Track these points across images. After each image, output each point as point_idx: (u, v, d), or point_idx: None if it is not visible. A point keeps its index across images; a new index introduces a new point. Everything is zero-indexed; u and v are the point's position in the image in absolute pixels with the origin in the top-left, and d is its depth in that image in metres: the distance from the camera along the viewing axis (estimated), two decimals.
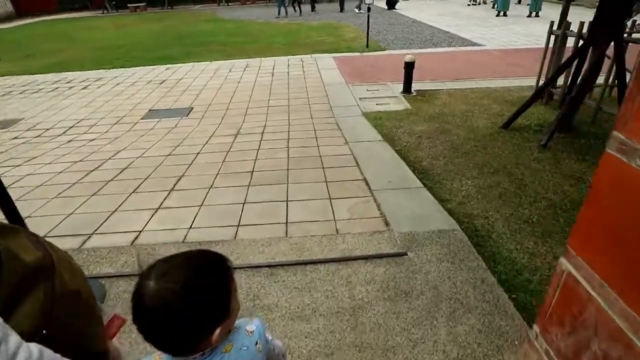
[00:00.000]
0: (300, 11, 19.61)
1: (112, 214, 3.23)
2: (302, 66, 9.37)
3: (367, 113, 5.96)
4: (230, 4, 27.86)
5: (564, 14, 5.64)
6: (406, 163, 4.01)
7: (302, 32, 14.37)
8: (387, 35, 13.01)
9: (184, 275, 0.72)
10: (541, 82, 6.07)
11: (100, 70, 10.05)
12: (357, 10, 19.57)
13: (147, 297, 0.70)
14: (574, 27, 5.32)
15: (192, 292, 0.71)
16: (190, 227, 2.93)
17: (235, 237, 2.75)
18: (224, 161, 4.36)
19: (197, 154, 4.62)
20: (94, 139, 5.32)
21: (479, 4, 21.21)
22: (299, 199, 3.33)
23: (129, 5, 26.89)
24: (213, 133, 5.48)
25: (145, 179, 3.85)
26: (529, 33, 12.46)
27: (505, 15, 16.34)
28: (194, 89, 7.95)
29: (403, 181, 3.55)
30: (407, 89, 6.92)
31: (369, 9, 10.69)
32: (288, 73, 8.82)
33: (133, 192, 3.57)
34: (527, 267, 2.48)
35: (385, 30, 13.90)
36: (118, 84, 8.61)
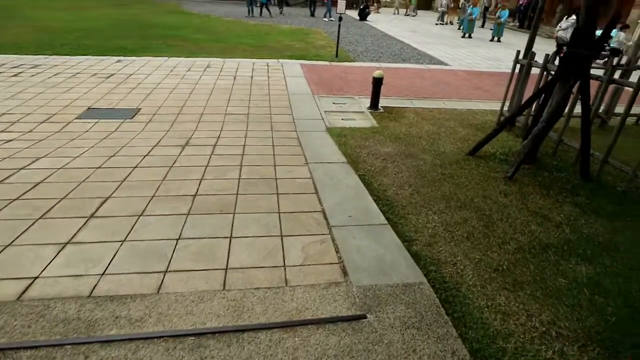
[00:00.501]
0: (270, 12, 19.12)
1: (1, 249, 2.59)
2: (268, 71, 8.89)
3: (331, 128, 5.60)
4: None
5: (530, 45, 5.60)
6: (370, 191, 3.66)
7: (272, 35, 13.89)
8: (357, 46, 12.83)
9: None
10: (505, 108, 6.02)
11: (39, 56, 9.01)
12: (325, 19, 19.34)
13: None
14: (539, 57, 5.30)
15: None
16: (104, 273, 2.36)
17: (158, 290, 2.23)
18: (164, 179, 3.80)
19: (134, 167, 4.02)
20: (10, 140, 4.54)
21: (447, 24, 21.72)
22: (245, 235, 2.86)
23: None
24: (158, 142, 4.88)
25: (61, 199, 3.21)
26: (491, 57, 12.74)
27: (470, 37, 16.75)
28: (145, 88, 7.24)
29: (365, 215, 3.19)
30: (374, 104, 6.64)
31: (340, 19, 10.42)
32: (252, 78, 8.31)
33: (40, 217, 2.92)
34: (500, 331, 2.18)
35: (355, 41, 13.74)
36: (57, 74, 7.69)
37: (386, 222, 3.09)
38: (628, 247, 3.02)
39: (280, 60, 9.97)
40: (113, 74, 8.06)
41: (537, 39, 17.44)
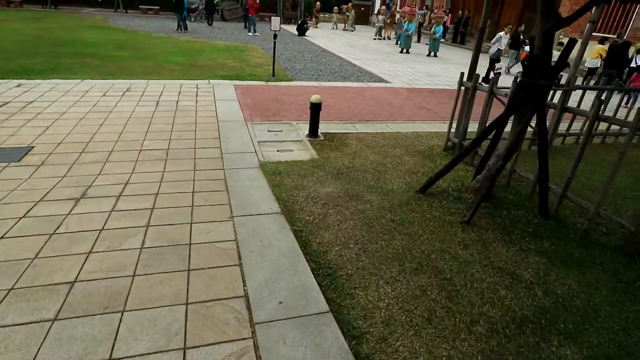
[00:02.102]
0: (185, 27, 17.94)
1: None
2: (196, 94, 7.99)
3: (265, 163, 4.87)
4: (129, 11, 24.96)
5: (473, 67, 5.33)
6: (307, 256, 2.98)
7: (205, 53, 12.94)
8: (295, 63, 12.28)
9: None
10: (451, 134, 5.71)
11: None
12: (250, 34, 18.56)
13: None
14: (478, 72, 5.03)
15: None
16: None
17: None
18: (35, 257, 2.84)
19: (0, 238, 3.01)
20: None
21: (384, 39, 22.03)
22: (130, 355, 2.04)
23: None
24: (45, 195, 3.84)
25: None
26: (430, 72, 12.80)
27: (407, 52, 16.95)
28: (45, 119, 6.05)
29: (301, 298, 2.49)
30: (313, 132, 6.02)
31: (274, 36, 9.80)
32: (177, 102, 7.37)
33: None
34: None
35: (294, 58, 13.20)
36: None
37: (327, 308, 2.40)
38: (609, 312, 2.61)
39: (212, 81, 9.10)
40: (7, 102, 6.73)
41: (469, 53, 17.93)
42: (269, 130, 6.24)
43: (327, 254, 3.07)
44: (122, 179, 4.29)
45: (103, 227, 3.31)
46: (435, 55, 16.59)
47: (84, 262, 2.80)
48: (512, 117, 3.74)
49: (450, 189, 4.37)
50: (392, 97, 9.05)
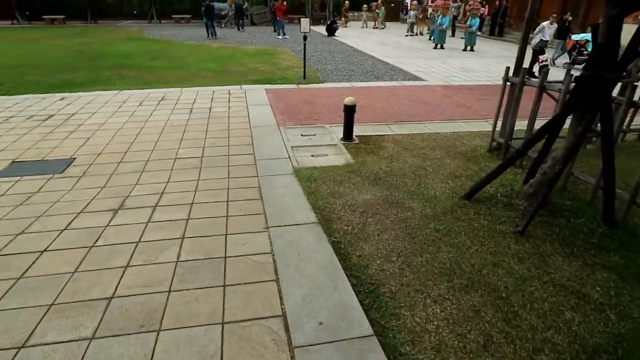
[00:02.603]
0: (214, 34, 18.14)
1: None
2: (229, 100, 8.02)
3: (299, 170, 4.75)
4: (162, 21, 25.82)
5: (520, 60, 4.95)
6: (347, 271, 2.80)
7: (236, 58, 13.08)
8: (326, 64, 12.14)
9: None
10: (496, 133, 5.34)
11: None
12: (279, 37, 18.60)
13: None
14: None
15: None
16: None
17: None
18: (75, 271, 2.85)
19: (42, 252, 3.05)
20: None
21: (417, 35, 21.45)
22: None
23: (43, 17, 23.86)
24: (86, 206, 3.90)
25: None
26: (467, 68, 12.26)
27: (442, 47, 16.38)
28: (86, 130, 6.25)
29: (341, 319, 2.31)
30: (347, 136, 5.84)
31: (304, 38, 9.70)
32: (210, 109, 7.42)
33: None
34: None
35: (324, 59, 13.06)
36: None
37: (371, 331, 2.21)
38: None
39: (244, 86, 9.12)
40: (52, 115, 7.03)
41: (509, 46, 17.05)
42: (302, 135, 6.13)
43: (368, 268, 2.88)
44: (158, 189, 4.30)
45: (140, 239, 3.29)
46: (471, 50, 15.92)
47: (121, 277, 2.78)
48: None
49: (498, 195, 4.04)
50: (428, 96, 8.70)
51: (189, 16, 25.18)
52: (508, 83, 5.00)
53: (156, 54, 13.68)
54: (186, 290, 2.62)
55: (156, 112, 7.20)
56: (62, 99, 8.12)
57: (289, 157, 5.21)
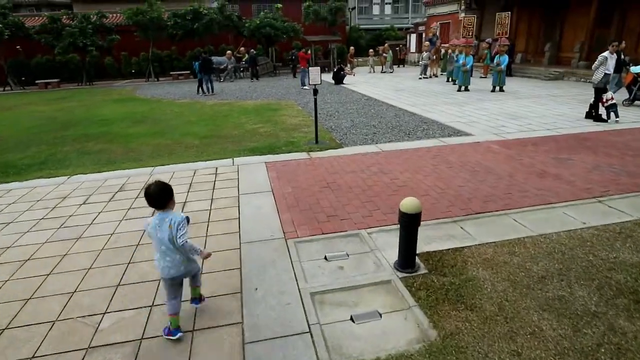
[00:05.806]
0: (211, 90, 16.19)
1: None
2: (214, 186, 5.66)
3: None
4: (160, 79, 24.52)
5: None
6: None
7: (232, 117, 10.96)
8: (340, 119, 9.92)
9: (159, 185, 2.52)
10: None
11: None
12: (306, 87, 16.33)
13: (151, 189, 2.48)
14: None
15: (163, 187, 2.53)
16: None
17: None
18: None
19: None
20: None
21: (430, 77, 19.60)
22: None
23: (37, 81, 22.68)
24: None
25: None
26: (511, 113, 9.96)
27: (467, 90, 14.30)
28: None
29: None
30: (407, 262, 3.34)
31: (315, 92, 7.50)
32: (184, 205, 5.03)
33: None
34: None
35: (337, 112, 10.88)
36: None
37: None
38: None
39: (237, 160, 6.79)
40: None
41: (536, 82, 14.30)
42: (326, 257, 3.63)
43: None
44: None
45: None
46: (501, 90, 13.79)
47: None
48: None
49: None
50: (487, 159, 6.28)
51: (188, 72, 23.90)
52: None
53: (139, 117, 11.65)
54: None
55: (102, 217, 4.81)
56: None
57: (310, 328, 2.71)
